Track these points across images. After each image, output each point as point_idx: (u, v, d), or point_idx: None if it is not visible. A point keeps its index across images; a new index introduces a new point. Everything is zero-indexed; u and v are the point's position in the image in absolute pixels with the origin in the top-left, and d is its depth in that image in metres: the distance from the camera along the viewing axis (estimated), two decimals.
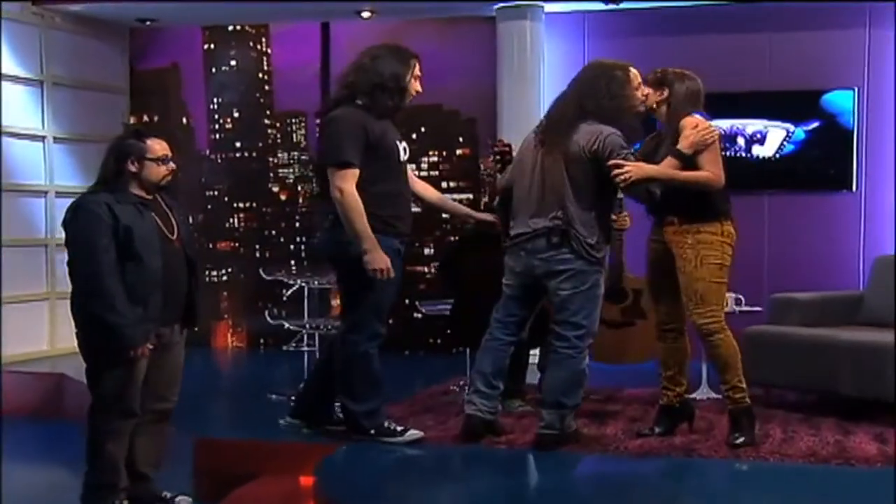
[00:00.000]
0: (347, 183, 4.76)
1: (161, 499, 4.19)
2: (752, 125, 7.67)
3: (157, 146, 4.13)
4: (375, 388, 4.98)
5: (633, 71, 4.91)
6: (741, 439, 4.87)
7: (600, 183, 4.79)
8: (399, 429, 4.98)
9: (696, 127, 4.84)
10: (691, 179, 4.81)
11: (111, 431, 4.02)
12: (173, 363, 4.21)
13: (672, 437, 4.98)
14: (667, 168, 4.79)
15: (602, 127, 4.76)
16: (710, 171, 4.82)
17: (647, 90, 4.96)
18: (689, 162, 4.81)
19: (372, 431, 4.93)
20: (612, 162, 4.68)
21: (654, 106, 5.00)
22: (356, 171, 4.78)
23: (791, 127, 7.55)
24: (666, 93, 4.98)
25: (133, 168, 4.06)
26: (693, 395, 5.16)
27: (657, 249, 5.07)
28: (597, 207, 4.83)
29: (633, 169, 4.69)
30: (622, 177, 4.68)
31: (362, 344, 4.91)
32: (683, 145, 4.79)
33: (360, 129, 4.82)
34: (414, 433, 4.97)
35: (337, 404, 5.18)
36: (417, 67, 4.98)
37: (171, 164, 4.16)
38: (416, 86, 4.99)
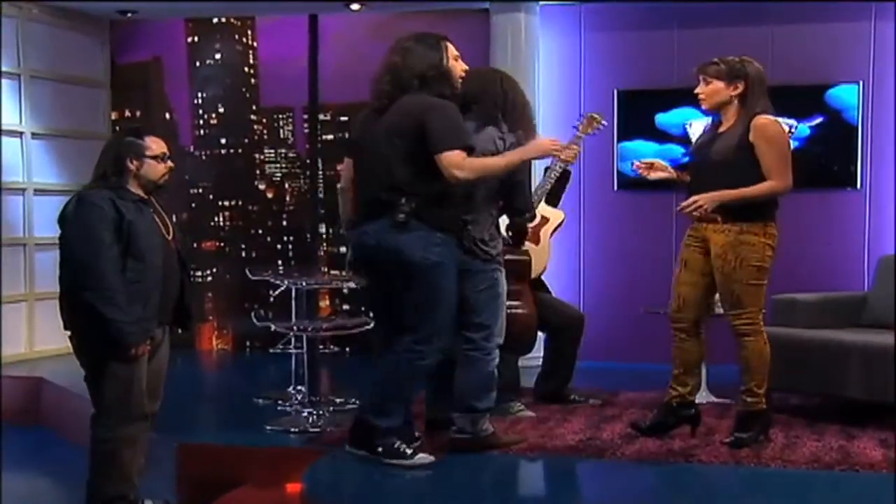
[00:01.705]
0: (466, 161, 4.52)
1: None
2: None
3: (156, 144, 4.23)
4: (407, 405, 4.80)
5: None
6: (741, 438, 4.89)
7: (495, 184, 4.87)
8: (408, 451, 4.70)
9: (776, 137, 4.82)
10: (761, 194, 4.82)
11: (122, 439, 4.04)
12: (159, 365, 4.23)
13: (671, 442, 4.98)
14: (738, 190, 4.77)
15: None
16: (777, 177, 4.81)
17: (703, 87, 4.90)
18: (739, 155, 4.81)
19: (380, 450, 4.69)
20: (690, 201, 4.77)
21: (728, 101, 4.90)
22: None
23: (794, 122, 7.56)
24: (741, 87, 4.88)
25: (132, 166, 4.14)
26: (710, 399, 5.16)
27: (693, 246, 5.04)
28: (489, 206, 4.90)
29: (703, 199, 4.74)
30: (693, 210, 4.76)
31: (428, 357, 4.66)
32: (768, 166, 4.80)
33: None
34: (423, 457, 4.70)
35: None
36: (452, 48, 4.80)
37: (170, 163, 4.24)
38: (458, 67, 4.81)
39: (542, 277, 6.08)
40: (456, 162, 4.47)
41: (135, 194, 4.14)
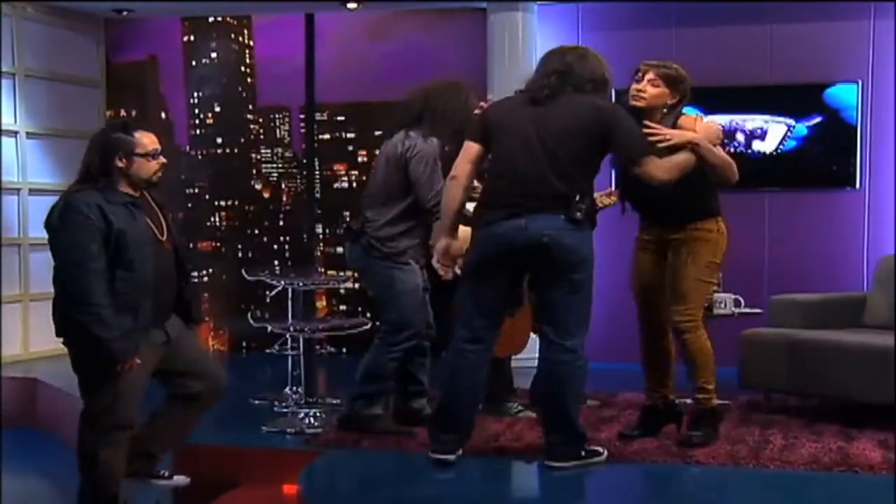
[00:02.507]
0: (662, 162, 4.59)
1: (158, 476, 4.19)
2: (752, 121, 7.69)
3: (146, 139, 4.05)
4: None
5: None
6: (696, 436, 4.92)
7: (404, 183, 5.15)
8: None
9: (697, 121, 4.86)
10: (725, 160, 4.79)
11: (104, 442, 4.00)
12: (186, 352, 4.17)
13: (669, 443, 4.98)
14: (705, 141, 4.70)
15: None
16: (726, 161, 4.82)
17: (648, 87, 4.87)
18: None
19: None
20: (648, 124, 4.64)
21: (661, 107, 4.90)
22: None
23: (792, 122, 7.57)
24: (677, 97, 4.91)
25: (121, 164, 3.97)
26: (687, 399, 5.17)
27: (646, 249, 5.08)
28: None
29: (675, 134, 4.64)
30: (661, 139, 4.60)
31: (584, 357, 4.69)
32: (708, 137, 4.75)
33: None
34: None
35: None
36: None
37: (162, 159, 4.08)
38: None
39: None
40: (656, 164, 4.54)
41: (124, 195, 3.97)
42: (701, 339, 4.93)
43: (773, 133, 7.64)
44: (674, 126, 4.84)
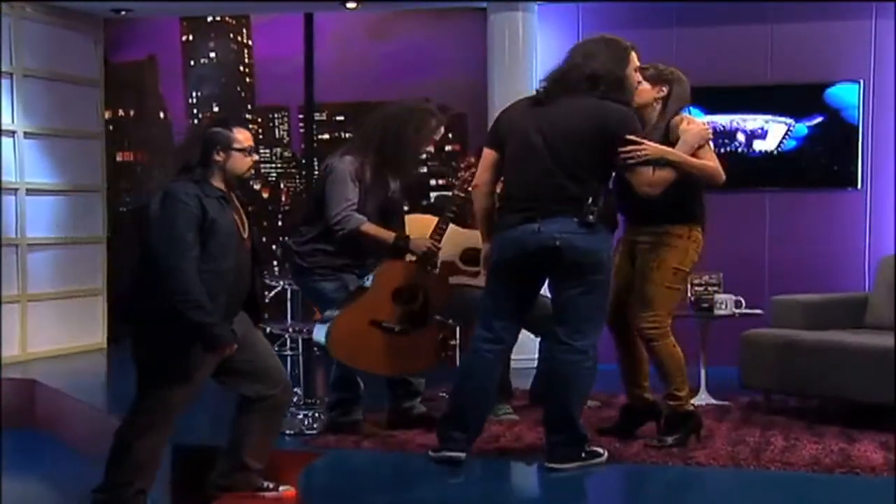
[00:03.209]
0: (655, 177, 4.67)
1: (265, 489, 4.21)
2: (752, 121, 7.69)
3: (243, 136, 4.15)
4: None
5: None
6: (664, 440, 4.93)
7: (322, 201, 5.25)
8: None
9: (690, 123, 4.88)
10: (703, 169, 4.77)
11: (152, 431, 4.02)
12: (252, 350, 4.18)
13: (669, 445, 4.98)
14: (680, 154, 4.70)
15: None
16: (711, 165, 4.82)
17: (644, 85, 4.94)
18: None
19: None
20: (629, 138, 4.53)
21: (651, 102, 4.98)
22: None
23: (792, 122, 7.58)
24: (665, 90, 4.99)
25: (219, 158, 4.06)
26: (693, 401, 5.19)
27: (623, 250, 5.10)
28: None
29: (650, 148, 4.55)
30: (638, 154, 4.52)
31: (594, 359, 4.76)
32: (687, 140, 4.78)
33: None
34: None
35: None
36: (635, 58, 4.75)
37: (255, 156, 4.19)
38: (634, 78, 4.76)
39: None
40: (645, 177, 4.58)
41: (217, 189, 4.06)
42: (668, 346, 4.94)
43: (774, 133, 7.64)
44: (667, 126, 4.88)
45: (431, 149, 8.30)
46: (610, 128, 4.51)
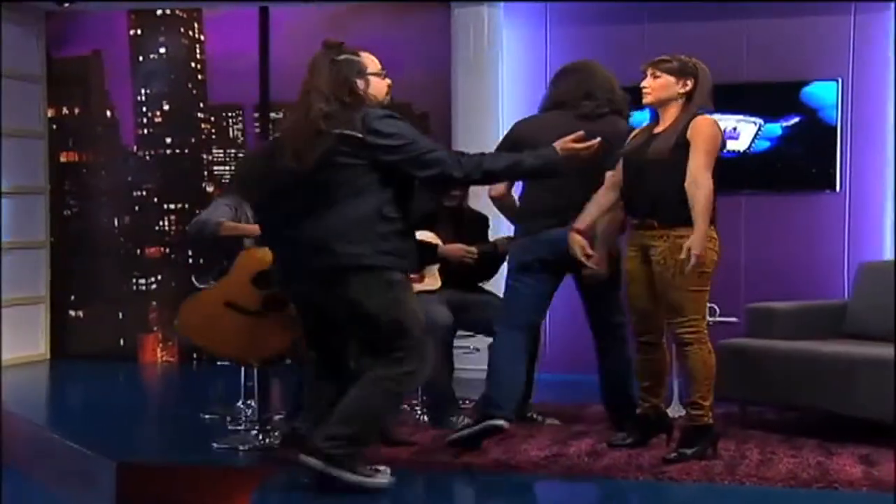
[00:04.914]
0: None
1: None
2: (724, 121, 7.69)
3: (370, 60, 4.47)
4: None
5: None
6: (684, 453, 4.93)
7: None
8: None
9: (712, 137, 4.87)
10: (704, 212, 4.79)
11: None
12: None
13: (640, 458, 4.99)
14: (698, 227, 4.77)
15: None
16: (698, 174, 4.79)
17: (651, 81, 4.97)
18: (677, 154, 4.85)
19: None
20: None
21: (675, 97, 4.98)
22: None
23: (761, 121, 7.59)
24: (690, 84, 4.98)
25: (361, 86, 4.35)
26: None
27: (634, 255, 5.10)
28: None
29: (692, 252, 4.76)
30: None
31: None
32: (698, 145, 4.83)
33: None
34: None
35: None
36: None
37: (389, 79, 4.52)
38: None
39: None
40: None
41: None
42: (703, 352, 4.95)
43: (746, 133, 7.66)
44: (685, 126, 4.89)
45: None
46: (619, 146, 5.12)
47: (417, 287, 5.70)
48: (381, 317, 4.36)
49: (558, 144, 4.48)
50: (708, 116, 4.96)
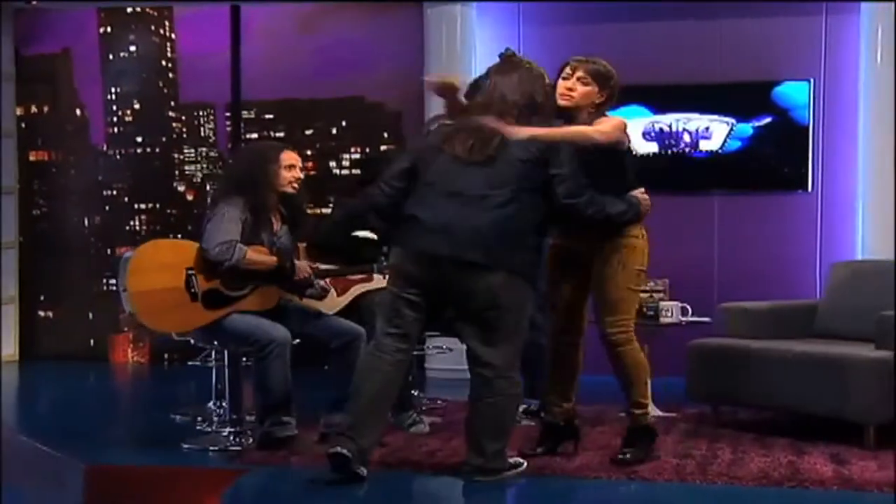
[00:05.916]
0: None
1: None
2: (696, 120, 7.74)
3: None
4: None
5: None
6: (628, 455, 4.93)
7: None
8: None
9: (616, 125, 4.78)
10: (566, 136, 4.64)
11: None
12: None
13: (614, 456, 5.00)
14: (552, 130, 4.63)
15: None
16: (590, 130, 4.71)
17: (578, 85, 4.86)
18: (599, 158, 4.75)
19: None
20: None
21: (589, 106, 4.89)
22: None
23: (734, 121, 7.64)
24: (604, 96, 4.90)
25: None
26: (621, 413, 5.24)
27: (562, 252, 5.09)
28: None
29: (515, 129, 4.53)
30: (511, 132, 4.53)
31: None
32: (602, 132, 4.67)
33: None
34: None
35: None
36: None
37: None
38: None
39: None
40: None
41: None
42: (635, 352, 4.96)
43: (718, 133, 7.70)
44: (590, 123, 4.80)
45: (368, 149, 8.36)
46: None
47: (367, 286, 5.75)
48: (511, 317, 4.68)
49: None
50: (611, 117, 4.87)
